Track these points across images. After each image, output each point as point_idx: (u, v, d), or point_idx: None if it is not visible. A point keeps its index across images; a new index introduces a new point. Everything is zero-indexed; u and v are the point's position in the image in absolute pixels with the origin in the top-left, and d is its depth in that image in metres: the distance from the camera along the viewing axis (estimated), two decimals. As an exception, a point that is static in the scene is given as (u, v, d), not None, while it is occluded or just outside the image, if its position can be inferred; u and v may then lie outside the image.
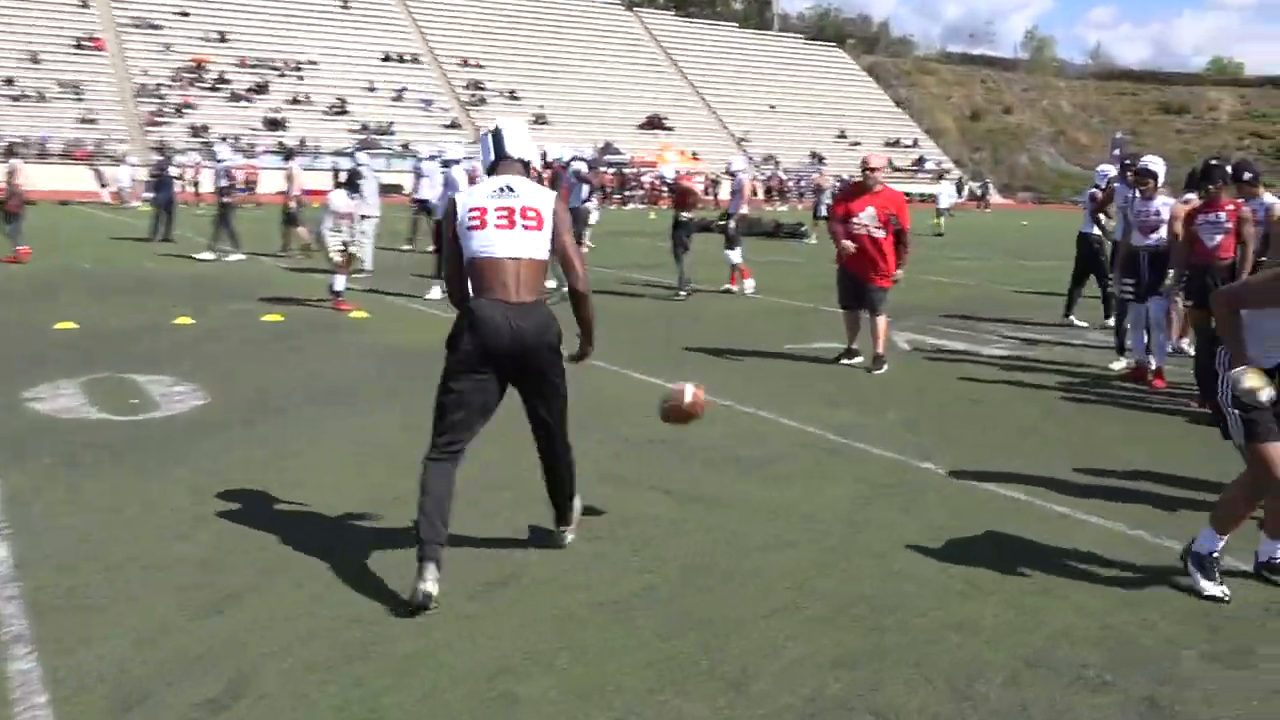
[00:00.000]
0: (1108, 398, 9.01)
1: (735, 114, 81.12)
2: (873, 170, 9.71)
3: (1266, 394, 4.20)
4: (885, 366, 9.84)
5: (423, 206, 20.62)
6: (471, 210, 4.57)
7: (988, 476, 6.34)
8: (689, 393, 5.74)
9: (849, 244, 9.75)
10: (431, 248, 15.17)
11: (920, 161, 78.47)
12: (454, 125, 67.51)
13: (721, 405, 8.11)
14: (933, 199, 42.51)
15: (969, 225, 43.86)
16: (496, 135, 4.79)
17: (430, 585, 4.22)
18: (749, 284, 15.80)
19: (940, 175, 39.63)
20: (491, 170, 4.78)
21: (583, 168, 16.01)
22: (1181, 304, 9.81)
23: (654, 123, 74.57)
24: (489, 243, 4.51)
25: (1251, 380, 4.20)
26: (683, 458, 6.60)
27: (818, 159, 74.05)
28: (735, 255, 15.89)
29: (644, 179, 55.84)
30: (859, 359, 10.10)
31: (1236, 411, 4.36)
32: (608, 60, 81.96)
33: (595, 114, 73.12)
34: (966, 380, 9.61)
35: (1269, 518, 4.69)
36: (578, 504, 5.03)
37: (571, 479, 4.88)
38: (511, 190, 4.61)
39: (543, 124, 69.56)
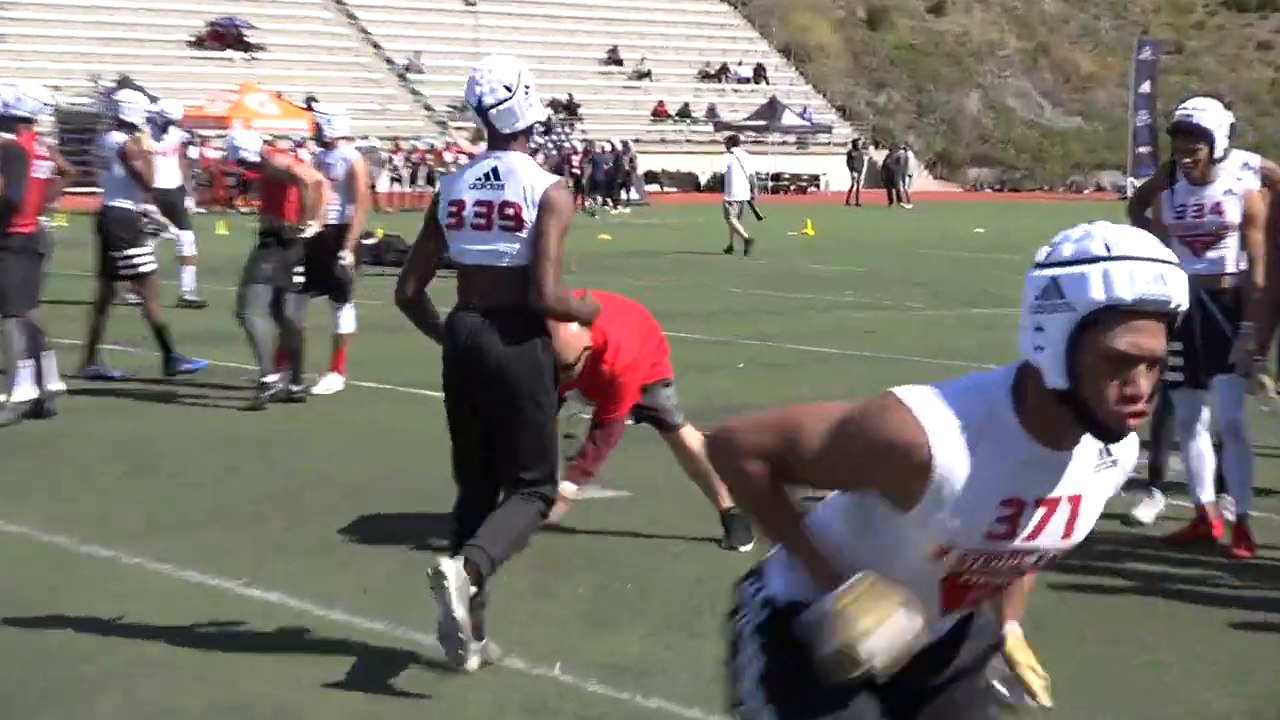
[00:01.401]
0: (1142, 575, 9.06)
1: (393, 23, 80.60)
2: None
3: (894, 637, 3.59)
4: (753, 537, 9.10)
5: None
6: (450, 204, 6.65)
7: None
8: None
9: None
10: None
11: (772, 108, 79.81)
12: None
13: (369, 629, 7.83)
14: (801, 186, 43.06)
15: (871, 232, 44.37)
16: (480, 105, 6.51)
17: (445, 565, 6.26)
18: (333, 380, 15.23)
19: (734, 139, 37.29)
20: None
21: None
22: (1273, 388, 9.65)
23: (224, 37, 72.83)
24: (465, 246, 6.64)
25: (859, 617, 3.51)
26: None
27: (566, 108, 73.78)
28: (346, 318, 15.29)
29: (200, 154, 53.96)
30: None
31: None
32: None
33: (97, 32, 70.43)
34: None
35: None
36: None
37: (511, 542, 6.67)
38: (495, 178, 6.55)
39: None
